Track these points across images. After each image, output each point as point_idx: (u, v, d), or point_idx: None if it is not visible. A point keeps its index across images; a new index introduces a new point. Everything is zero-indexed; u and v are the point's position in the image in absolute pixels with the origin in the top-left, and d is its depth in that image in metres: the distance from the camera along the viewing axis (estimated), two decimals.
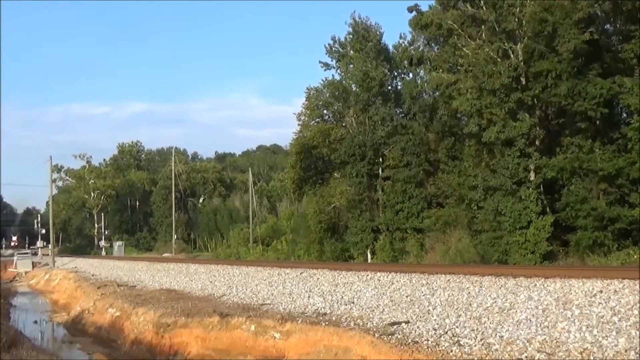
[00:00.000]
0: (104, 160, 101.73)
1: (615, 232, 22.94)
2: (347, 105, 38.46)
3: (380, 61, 38.08)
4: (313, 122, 40.51)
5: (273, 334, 13.15)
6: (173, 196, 74.97)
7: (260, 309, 15.45)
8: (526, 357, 8.68)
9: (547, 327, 9.61)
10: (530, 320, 10.07)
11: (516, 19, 25.81)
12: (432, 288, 13.85)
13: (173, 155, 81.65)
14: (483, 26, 27.31)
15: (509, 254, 25.01)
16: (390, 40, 64.47)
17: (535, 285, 11.94)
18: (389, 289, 14.82)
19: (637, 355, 8.00)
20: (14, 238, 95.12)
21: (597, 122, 24.55)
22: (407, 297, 13.69)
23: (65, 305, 29.42)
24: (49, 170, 56.23)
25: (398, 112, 38.85)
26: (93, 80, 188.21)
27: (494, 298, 11.79)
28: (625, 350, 8.18)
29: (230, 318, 14.64)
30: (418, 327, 11.03)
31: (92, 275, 35.27)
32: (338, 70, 39.92)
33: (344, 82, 39.14)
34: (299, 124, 40.99)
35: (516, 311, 10.70)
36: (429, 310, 12.16)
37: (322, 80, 39.85)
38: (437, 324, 11.06)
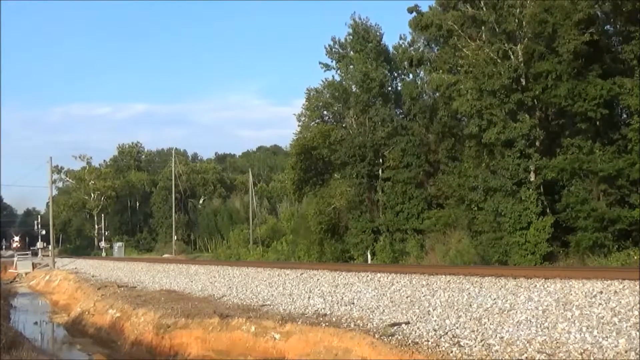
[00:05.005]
0: (104, 161, 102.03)
1: (616, 233, 22.94)
2: (347, 106, 38.48)
3: (381, 62, 38.11)
4: (313, 123, 40.54)
5: (273, 335, 13.15)
6: (173, 197, 75.00)
7: (261, 309, 15.44)
8: (526, 357, 8.68)
9: (547, 328, 9.61)
10: (531, 321, 10.07)
11: (516, 20, 25.82)
12: (432, 289, 13.84)
13: (173, 156, 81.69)
14: (483, 27, 27.33)
15: (509, 255, 25.00)
16: (390, 41, 64.10)
17: (536, 286, 11.94)
18: (389, 290, 14.82)
19: (638, 356, 8.00)
20: (16, 239, 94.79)
21: (597, 123, 24.54)
22: (407, 298, 13.68)
23: (65, 306, 29.42)
24: (49, 171, 56.21)
25: (398, 113, 38.88)
26: (94, 81, 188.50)
27: (494, 299, 11.79)
28: (626, 351, 8.18)
29: (230, 319, 14.63)
30: (418, 328, 11.03)
31: (92, 276, 35.25)
32: (338, 71, 40.00)
33: (344, 83, 39.17)
34: (299, 125, 41.08)
35: (516, 312, 10.70)
36: (429, 311, 12.15)
37: (322, 81, 39.95)
38: (437, 324, 11.06)
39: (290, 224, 50.90)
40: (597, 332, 8.93)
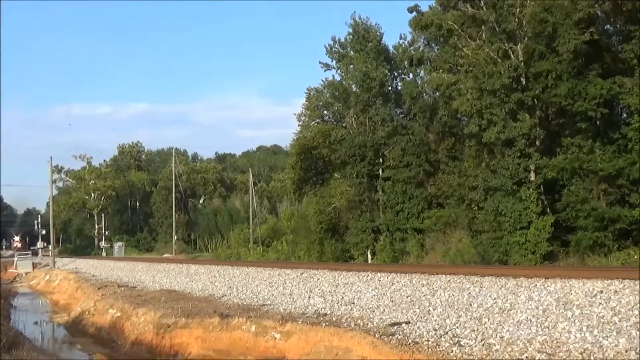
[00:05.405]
0: (104, 161, 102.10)
1: (616, 233, 22.93)
2: (347, 106, 38.47)
3: (381, 62, 38.09)
4: (313, 122, 40.56)
5: (273, 335, 13.14)
6: (173, 197, 75.02)
7: (261, 309, 15.44)
8: (527, 357, 8.68)
9: (548, 328, 9.61)
10: (531, 321, 10.07)
11: (516, 20, 25.81)
12: (433, 288, 13.84)
13: (173, 156, 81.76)
14: (483, 26, 27.31)
15: (509, 255, 24.99)
16: (390, 40, 64.40)
17: (536, 285, 11.95)
18: (389, 290, 14.82)
19: (638, 356, 8.00)
20: (17, 238, 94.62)
21: (597, 122, 24.54)
22: (407, 297, 13.68)
23: (65, 306, 29.42)
24: (49, 171, 56.21)
25: (398, 112, 38.87)
26: (94, 81, 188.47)
27: (495, 298, 11.79)
28: (626, 351, 8.18)
29: (230, 319, 14.63)
30: (418, 328, 11.03)
31: (93, 276, 35.25)
32: (338, 71, 40.01)
33: (344, 82, 39.17)
34: (299, 125, 41.11)
35: (517, 311, 10.71)
36: (429, 310, 12.15)
37: (323, 80, 39.95)
38: (438, 324, 11.06)
39: (291, 224, 50.93)
40: (598, 332, 8.93)
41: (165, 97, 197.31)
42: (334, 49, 39.73)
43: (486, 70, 25.67)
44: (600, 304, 10.01)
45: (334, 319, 12.95)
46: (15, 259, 58.91)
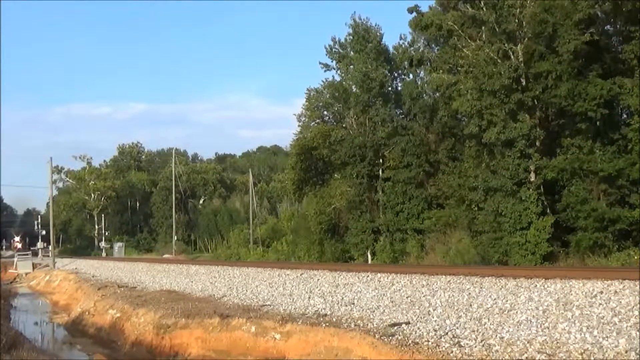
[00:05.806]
0: (104, 161, 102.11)
1: (616, 233, 22.96)
2: (347, 107, 38.48)
3: (381, 62, 38.11)
4: (313, 123, 40.57)
5: (273, 335, 13.15)
6: (173, 197, 75.00)
7: (261, 310, 15.44)
8: (526, 358, 8.67)
9: (548, 328, 9.61)
10: (531, 321, 10.07)
11: (516, 20, 25.80)
12: (433, 289, 13.85)
13: (173, 157, 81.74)
14: (483, 27, 27.31)
15: (509, 255, 25.00)
16: (390, 41, 64.14)
17: (536, 286, 11.95)
18: (389, 290, 14.82)
19: (638, 356, 8.00)
20: (17, 239, 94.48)
21: (597, 123, 24.56)
22: (407, 298, 13.68)
23: (65, 306, 29.42)
24: (49, 172, 56.22)
25: (398, 113, 38.90)
26: (94, 81, 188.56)
27: (495, 299, 11.79)
28: (626, 351, 8.18)
29: (230, 319, 14.63)
30: (418, 328, 11.02)
31: (93, 277, 35.25)
32: (338, 71, 40.01)
33: (344, 83, 39.18)
34: (299, 125, 41.12)
35: (517, 312, 10.71)
36: (429, 311, 12.15)
37: (323, 81, 39.96)
38: (438, 325, 11.06)
39: (291, 224, 50.95)
40: (598, 332, 8.94)
41: (165, 97, 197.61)
42: (334, 50, 39.74)
43: (486, 70, 25.67)
44: (600, 304, 10.02)
45: (334, 319, 12.94)
46: (15, 259, 58.92)
